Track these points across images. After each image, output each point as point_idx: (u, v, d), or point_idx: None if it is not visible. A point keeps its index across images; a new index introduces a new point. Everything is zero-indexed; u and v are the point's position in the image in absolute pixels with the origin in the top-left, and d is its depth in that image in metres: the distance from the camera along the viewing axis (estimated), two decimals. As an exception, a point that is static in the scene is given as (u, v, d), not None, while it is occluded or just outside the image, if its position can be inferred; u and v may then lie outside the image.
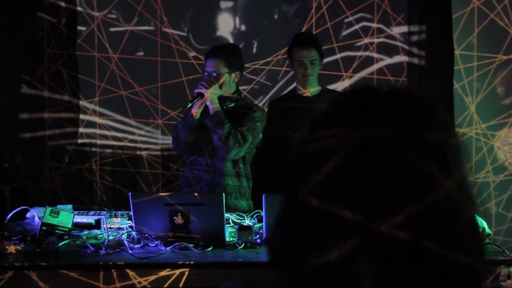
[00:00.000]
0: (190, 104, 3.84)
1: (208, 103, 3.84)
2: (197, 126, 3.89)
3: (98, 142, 5.38)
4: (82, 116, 5.39)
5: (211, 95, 3.81)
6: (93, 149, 5.38)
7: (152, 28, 5.29)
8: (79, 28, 5.35)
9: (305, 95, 4.25)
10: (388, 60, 5.15)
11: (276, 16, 5.28)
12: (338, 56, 5.15)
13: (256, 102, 5.19)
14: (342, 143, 0.76)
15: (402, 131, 0.76)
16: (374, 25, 5.12)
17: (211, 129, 3.83)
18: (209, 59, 3.88)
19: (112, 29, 5.32)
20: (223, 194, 3.18)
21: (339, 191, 0.75)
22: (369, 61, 5.15)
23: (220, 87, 3.86)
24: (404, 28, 5.15)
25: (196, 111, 3.85)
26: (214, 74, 3.85)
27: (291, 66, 4.27)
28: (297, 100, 4.23)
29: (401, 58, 5.14)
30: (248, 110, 3.94)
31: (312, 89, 4.24)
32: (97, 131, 5.38)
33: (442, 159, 0.75)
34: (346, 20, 5.16)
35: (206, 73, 3.88)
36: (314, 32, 5.10)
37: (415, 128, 0.76)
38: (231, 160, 3.92)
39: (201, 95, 3.80)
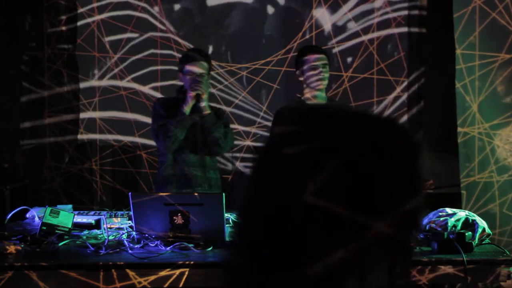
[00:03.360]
0: (194, 106, 3.97)
1: (201, 104, 4.00)
2: (189, 124, 4.00)
3: (98, 142, 5.37)
4: (82, 116, 5.37)
5: (206, 95, 4.01)
6: (93, 149, 5.37)
7: (152, 28, 5.29)
8: (79, 28, 5.35)
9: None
10: (388, 60, 5.14)
11: (276, 16, 5.27)
12: (337, 50, 5.15)
13: (256, 102, 5.21)
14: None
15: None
16: (375, 21, 5.12)
17: (207, 128, 3.98)
18: (195, 62, 4.00)
19: (112, 29, 5.31)
20: (223, 194, 3.17)
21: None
22: (370, 60, 5.15)
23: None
24: (404, 29, 5.15)
25: (187, 110, 4.00)
26: (203, 76, 3.98)
27: (302, 76, 4.09)
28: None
29: (401, 56, 5.14)
30: (217, 109, 4.18)
31: (320, 100, 4.11)
32: (97, 131, 5.37)
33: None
34: (346, 21, 5.16)
35: (191, 76, 3.97)
36: (314, 32, 5.11)
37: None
38: (212, 155, 4.10)
39: (199, 96, 3.97)
